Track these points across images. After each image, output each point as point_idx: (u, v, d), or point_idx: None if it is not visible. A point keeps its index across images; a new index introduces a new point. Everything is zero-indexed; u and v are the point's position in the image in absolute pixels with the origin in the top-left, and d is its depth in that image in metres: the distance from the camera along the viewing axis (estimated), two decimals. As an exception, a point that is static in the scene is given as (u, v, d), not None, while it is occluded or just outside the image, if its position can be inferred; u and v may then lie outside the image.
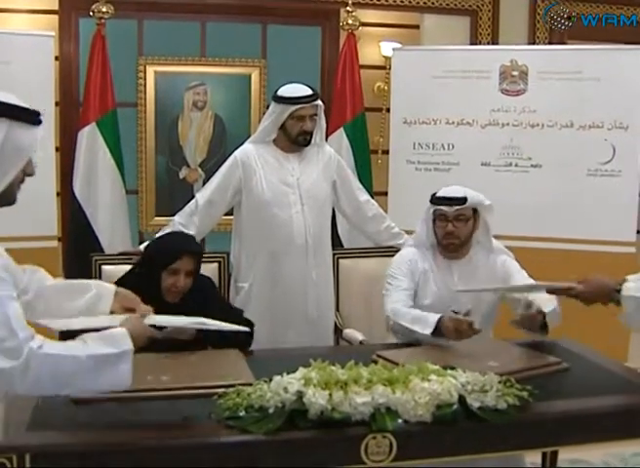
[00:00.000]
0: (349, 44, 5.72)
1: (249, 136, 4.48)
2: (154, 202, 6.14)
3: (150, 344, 2.57)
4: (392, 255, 3.98)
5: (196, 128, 6.20)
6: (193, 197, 4.30)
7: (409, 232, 4.39)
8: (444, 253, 3.74)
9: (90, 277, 3.90)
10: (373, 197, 4.74)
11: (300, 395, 2.42)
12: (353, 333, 4.10)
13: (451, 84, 5.36)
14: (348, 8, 5.72)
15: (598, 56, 5.19)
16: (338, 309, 4.42)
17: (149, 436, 2.36)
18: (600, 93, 5.07)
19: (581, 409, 2.70)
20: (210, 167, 5.93)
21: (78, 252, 4.99)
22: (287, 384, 2.45)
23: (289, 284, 4.15)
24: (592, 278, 2.97)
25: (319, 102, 4.15)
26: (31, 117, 2.07)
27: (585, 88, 5.12)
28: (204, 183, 4.70)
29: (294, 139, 4.15)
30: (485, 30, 6.53)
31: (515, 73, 5.28)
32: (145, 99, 6.07)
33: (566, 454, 3.27)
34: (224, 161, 4.32)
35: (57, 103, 5.30)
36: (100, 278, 3.93)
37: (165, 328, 2.82)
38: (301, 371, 2.53)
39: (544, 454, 3.27)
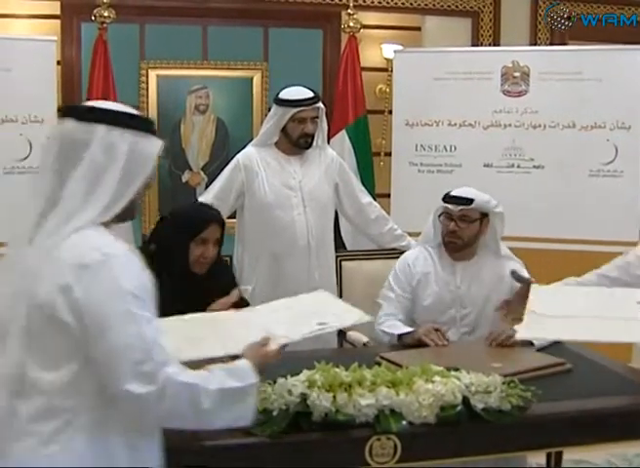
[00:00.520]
0: (351, 46, 5.73)
1: (251, 140, 4.49)
2: (157, 205, 6.14)
3: None
4: (395, 258, 3.99)
5: (198, 131, 6.21)
6: (196, 200, 4.31)
7: (412, 234, 4.39)
8: (450, 253, 3.74)
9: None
10: (375, 199, 4.74)
11: (304, 397, 2.43)
12: (357, 336, 4.09)
13: (452, 85, 5.36)
14: (350, 10, 5.73)
15: (599, 56, 5.19)
16: (340, 311, 4.41)
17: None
18: (602, 93, 5.07)
19: (585, 410, 2.70)
20: (212, 170, 5.93)
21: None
22: (291, 386, 2.45)
23: (291, 286, 4.14)
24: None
25: (320, 105, 4.16)
26: (150, 126, 1.97)
27: (587, 88, 5.12)
28: (206, 187, 4.71)
29: (295, 142, 4.16)
30: (486, 32, 6.53)
31: (517, 74, 5.28)
32: (148, 103, 6.08)
33: (570, 455, 3.27)
34: (227, 164, 4.32)
35: (59, 109, 5.30)
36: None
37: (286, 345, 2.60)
38: (305, 374, 2.53)
39: (549, 455, 3.27)
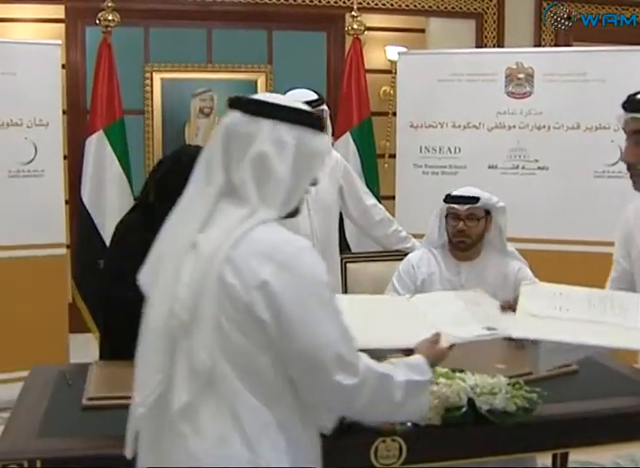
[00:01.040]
0: (355, 49, 5.73)
1: (256, 142, 4.49)
2: (162, 208, 6.15)
3: None
4: (400, 259, 3.98)
5: (203, 134, 6.22)
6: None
7: (416, 236, 4.39)
8: (454, 253, 3.74)
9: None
10: (380, 201, 4.75)
11: (309, 399, 2.43)
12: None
13: (457, 87, 5.36)
14: (354, 13, 5.74)
15: (603, 57, 5.19)
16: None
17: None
18: (606, 94, 5.06)
19: (591, 411, 2.70)
20: (217, 173, 5.93)
21: (86, 259, 5.02)
22: (296, 389, 2.45)
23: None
24: None
25: (324, 107, 4.15)
26: (316, 122, 1.92)
27: (591, 89, 5.12)
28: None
29: None
30: (490, 33, 6.54)
31: (521, 76, 5.27)
32: (152, 107, 6.09)
33: (576, 456, 3.26)
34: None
35: (64, 112, 5.32)
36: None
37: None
38: (310, 376, 2.53)
39: (555, 456, 3.26)
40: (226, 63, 6.23)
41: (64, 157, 5.25)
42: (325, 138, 1.92)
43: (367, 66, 5.83)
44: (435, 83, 5.40)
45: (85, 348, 3.33)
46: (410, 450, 2.43)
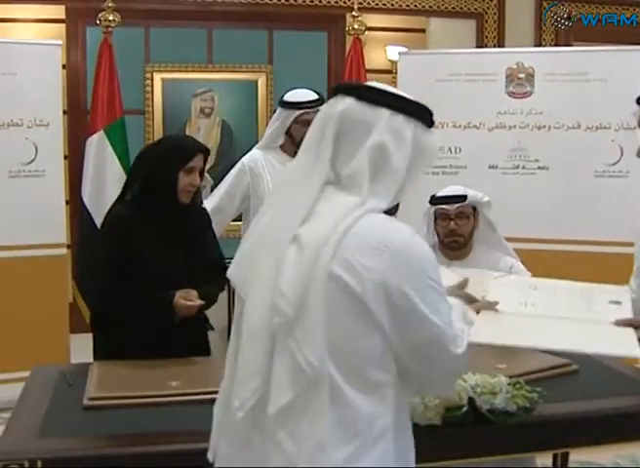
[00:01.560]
0: (355, 48, 5.74)
1: (256, 142, 4.50)
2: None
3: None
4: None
5: (204, 134, 6.22)
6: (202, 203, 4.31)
7: (417, 236, 4.39)
8: (445, 253, 3.73)
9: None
10: (380, 201, 4.75)
11: (309, 399, 2.42)
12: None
13: (457, 87, 5.36)
14: (354, 13, 5.74)
15: (604, 57, 5.19)
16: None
17: (160, 442, 2.36)
18: (607, 94, 5.06)
19: (591, 411, 2.70)
20: (218, 173, 5.92)
21: (87, 259, 5.03)
22: (297, 389, 2.45)
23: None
24: None
25: None
26: (431, 117, 1.86)
27: (592, 89, 5.12)
28: (212, 190, 4.72)
29: (299, 144, 4.16)
30: (491, 33, 6.54)
31: (521, 75, 5.27)
32: (153, 107, 6.10)
33: (576, 456, 3.26)
34: (232, 167, 4.33)
35: (64, 112, 5.33)
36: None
37: None
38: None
39: (555, 456, 3.26)
40: (227, 64, 6.23)
41: (65, 157, 5.25)
42: (437, 137, 1.87)
43: (367, 66, 5.84)
44: (435, 83, 5.39)
45: (86, 348, 3.32)
46: (410, 450, 2.43)
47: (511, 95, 5.30)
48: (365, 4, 6.18)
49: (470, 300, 2.35)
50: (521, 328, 2.38)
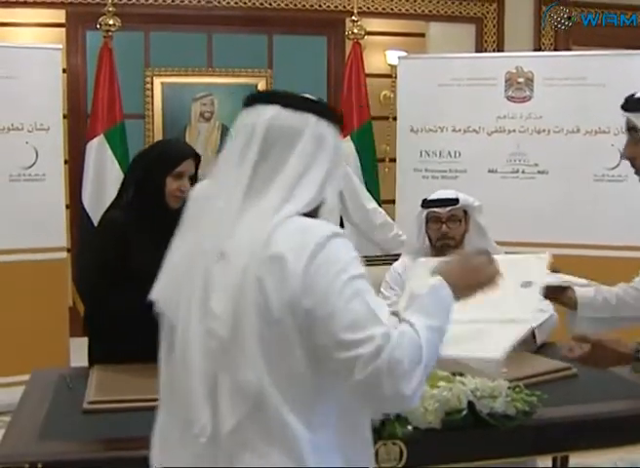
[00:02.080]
0: (355, 53, 5.75)
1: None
2: (163, 213, 6.16)
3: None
4: (401, 263, 3.99)
5: (204, 138, 6.23)
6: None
7: (417, 240, 4.40)
8: (435, 256, 3.74)
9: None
10: (380, 205, 4.76)
11: (309, 403, 2.43)
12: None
13: (457, 91, 5.37)
14: (354, 17, 5.75)
15: (603, 61, 5.20)
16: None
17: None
18: (606, 98, 5.06)
19: (591, 415, 2.70)
20: (217, 177, 5.94)
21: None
22: (296, 392, 2.45)
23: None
24: (603, 346, 2.55)
25: None
26: (342, 124, 1.86)
27: (591, 93, 5.12)
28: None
29: None
30: (490, 38, 6.55)
31: (521, 80, 5.28)
32: (153, 111, 6.10)
33: (576, 459, 3.26)
34: (232, 171, 4.33)
35: (65, 116, 5.33)
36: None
37: None
38: (311, 379, 2.53)
39: (555, 459, 3.26)
40: (227, 68, 6.23)
41: (65, 161, 5.25)
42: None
43: (367, 71, 5.84)
44: (435, 87, 5.40)
45: (86, 352, 3.34)
46: (410, 454, 2.43)
47: (511, 99, 5.31)
48: (364, 8, 6.18)
49: None
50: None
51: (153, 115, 6.08)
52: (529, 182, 5.26)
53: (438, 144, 5.41)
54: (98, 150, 5.21)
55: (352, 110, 5.68)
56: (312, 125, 1.76)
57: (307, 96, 1.85)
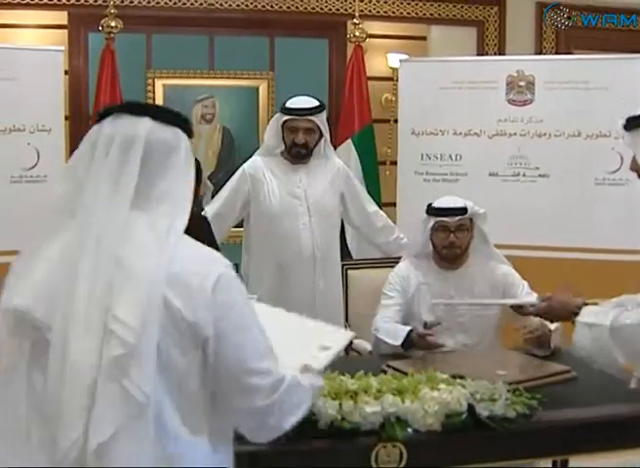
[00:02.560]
0: (357, 56, 5.75)
1: (257, 149, 4.51)
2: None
3: None
4: (401, 266, 3.99)
5: (205, 140, 6.23)
6: (202, 210, 4.33)
7: (418, 243, 4.40)
8: (440, 264, 3.73)
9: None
10: (381, 208, 4.76)
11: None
12: (362, 344, 4.10)
13: (458, 95, 5.37)
14: (355, 20, 5.76)
15: (605, 65, 5.20)
16: (347, 320, 4.43)
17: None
18: (607, 102, 5.07)
19: (591, 418, 2.71)
20: (218, 179, 5.93)
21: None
22: (297, 394, 2.46)
23: (297, 294, 4.17)
24: (555, 297, 2.86)
25: (316, 118, 4.13)
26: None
27: (592, 97, 5.12)
28: (213, 196, 4.73)
29: (288, 150, 4.18)
30: (491, 41, 6.56)
31: (522, 83, 5.29)
32: (154, 113, 6.10)
33: (576, 462, 3.27)
34: (233, 174, 4.35)
35: (66, 117, 5.33)
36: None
37: None
38: (311, 381, 2.54)
39: (554, 462, 3.27)
40: (228, 70, 6.23)
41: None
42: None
43: (368, 73, 5.85)
44: (436, 90, 5.41)
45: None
46: (410, 456, 2.44)
47: (512, 102, 5.31)
48: (366, 11, 6.18)
49: None
50: None
51: (155, 117, 6.09)
52: (530, 186, 5.26)
53: (439, 147, 5.41)
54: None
55: (354, 113, 5.69)
56: (184, 140, 1.81)
57: (175, 110, 1.85)
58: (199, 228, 3.41)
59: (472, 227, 3.70)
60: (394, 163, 5.76)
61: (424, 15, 6.43)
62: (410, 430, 2.45)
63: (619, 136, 5.06)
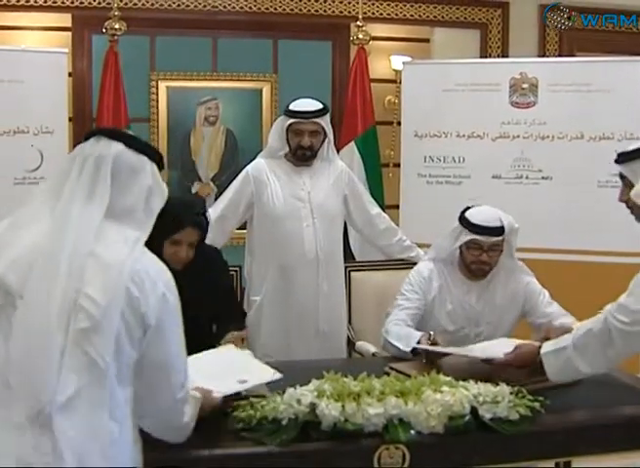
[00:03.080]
0: (360, 58, 5.76)
1: (260, 151, 4.51)
2: (167, 216, 6.16)
3: None
4: (404, 268, 4.00)
5: (208, 142, 6.24)
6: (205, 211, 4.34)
7: (421, 245, 4.41)
8: (465, 273, 3.70)
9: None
10: (384, 210, 4.76)
11: (313, 407, 2.44)
12: (365, 346, 4.11)
13: (461, 97, 5.37)
14: (359, 22, 5.76)
15: (607, 67, 5.20)
16: (350, 322, 4.43)
17: (162, 449, 2.37)
18: (610, 104, 5.07)
19: (593, 420, 2.71)
20: (222, 181, 5.96)
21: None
22: (300, 396, 2.47)
23: (300, 297, 4.17)
24: (519, 351, 2.96)
25: (321, 120, 4.13)
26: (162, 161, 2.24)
27: (595, 99, 5.12)
28: (216, 198, 4.73)
29: (293, 153, 4.18)
30: (495, 43, 6.56)
31: (525, 86, 5.29)
32: (158, 115, 6.11)
33: (579, 464, 3.27)
34: (236, 176, 4.35)
35: (70, 119, 5.35)
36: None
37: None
38: (314, 383, 2.55)
39: (557, 464, 3.27)
40: (232, 72, 6.24)
41: (70, 165, 5.25)
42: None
43: (372, 76, 5.85)
44: (439, 93, 5.41)
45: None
46: (413, 458, 2.44)
47: (515, 105, 5.31)
48: (369, 14, 6.19)
49: None
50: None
51: (158, 119, 6.09)
52: (533, 188, 5.26)
53: (442, 150, 5.41)
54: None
55: (357, 115, 5.69)
56: (149, 166, 2.13)
57: (145, 141, 2.19)
58: (213, 260, 3.43)
59: (503, 243, 3.61)
60: (397, 165, 5.76)
61: (428, 17, 6.43)
62: (413, 432, 2.45)
63: (622, 139, 5.10)
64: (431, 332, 3.39)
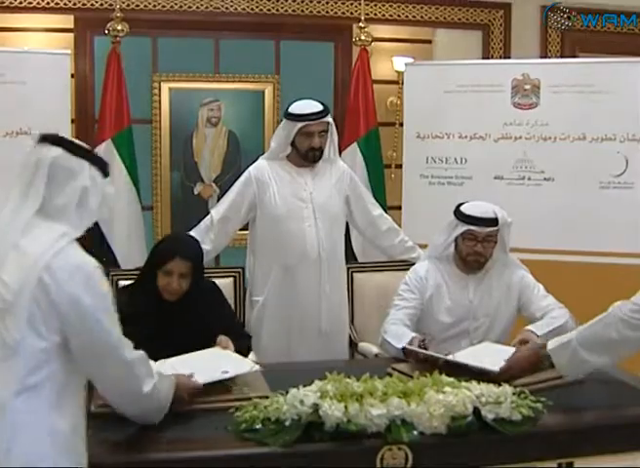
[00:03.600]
0: (362, 59, 5.76)
1: (263, 152, 4.52)
2: (169, 217, 6.17)
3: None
4: (406, 269, 4.00)
5: (210, 144, 6.24)
6: (208, 213, 4.35)
7: (423, 246, 4.40)
8: (461, 268, 3.74)
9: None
10: (386, 211, 4.76)
11: (316, 407, 2.44)
12: (368, 347, 4.11)
13: (463, 98, 5.37)
14: (361, 24, 5.77)
15: (610, 68, 5.19)
16: (352, 323, 4.44)
17: (165, 449, 2.38)
18: (612, 105, 5.08)
19: (596, 421, 2.72)
20: (224, 182, 5.96)
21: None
22: (303, 397, 2.47)
23: (302, 298, 4.17)
24: (516, 357, 3.03)
25: (328, 119, 4.15)
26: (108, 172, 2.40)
27: (598, 100, 5.12)
28: (218, 199, 4.73)
29: (303, 155, 4.18)
30: (497, 44, 6.56)
31: (527, 87, 5.29)
32: (160, 116, 6.11)
33: (581, 465, 3.27)
34: (239, 177, 4.35)
35: (72, 121, 5.34)
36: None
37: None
38: (317, 384, 2.55)
39: (560, 465, 3.27)
40: (234, 73, 6.24)
41: (73, 166, 5.25)
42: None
43: (374, 77, 5.85)
44: (442, 94, 5.41)
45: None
46: (416, 459, 2.44)
47: (517, 106, 5.31)
48: (372, 15, 6.19)
49: None
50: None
51: (160, 120, 6.09)
52: (535, 189, 5.26)
53: (444, 151, 5.42)
54: (105, 155, 5.20)
55: (359, 116, 5.70)
56: (87, 170, 2.26)
57: (87, 146, 2.34)
58: (210, 297, 3.51)
59: (497, 235, 3.68)
60: (399, 166, 5.76)
61: (430, 18, 6.43)
62: (415, 433, 2.46)
63: (624, 140, 5.10)
64: (426, 338, 3.41)
